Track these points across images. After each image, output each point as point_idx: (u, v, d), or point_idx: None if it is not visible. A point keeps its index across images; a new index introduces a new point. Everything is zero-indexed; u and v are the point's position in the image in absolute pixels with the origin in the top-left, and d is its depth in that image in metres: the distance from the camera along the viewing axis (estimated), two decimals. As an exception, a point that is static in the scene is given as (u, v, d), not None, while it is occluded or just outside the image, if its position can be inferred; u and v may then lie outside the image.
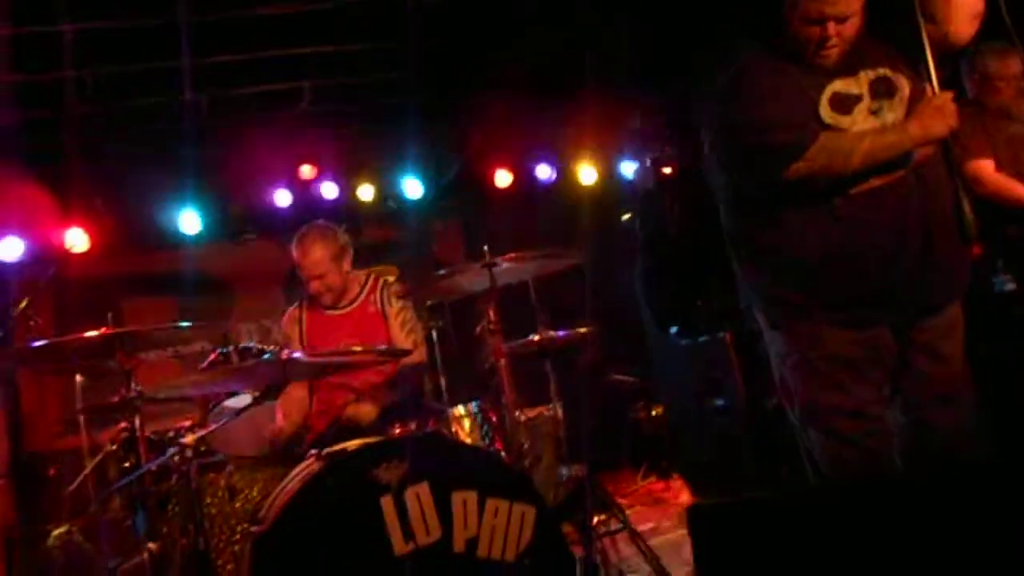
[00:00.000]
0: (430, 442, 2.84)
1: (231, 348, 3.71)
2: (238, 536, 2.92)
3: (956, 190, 2.31)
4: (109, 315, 2.85)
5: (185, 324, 3.25)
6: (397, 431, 2.77)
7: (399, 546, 2.38)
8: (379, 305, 3.46)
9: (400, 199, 6.24)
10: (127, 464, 3.59)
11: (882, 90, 2.32)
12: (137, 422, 2.86)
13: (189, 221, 5.70)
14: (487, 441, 3.34)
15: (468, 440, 3.36)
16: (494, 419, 3.42)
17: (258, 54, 5.15)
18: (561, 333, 3.34)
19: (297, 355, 2.68)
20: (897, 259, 2.29)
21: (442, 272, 3.26)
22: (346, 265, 3.46)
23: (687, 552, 3.54)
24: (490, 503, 2.47)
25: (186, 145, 5.50)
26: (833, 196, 2.30)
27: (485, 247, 3.01)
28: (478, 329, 3.30)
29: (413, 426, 2.84)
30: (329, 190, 5.97)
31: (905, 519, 1.63)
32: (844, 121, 2.30)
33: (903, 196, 2.29)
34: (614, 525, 3.33)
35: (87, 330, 2.86)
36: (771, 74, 2.33)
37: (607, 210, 6.48)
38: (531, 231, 5.85)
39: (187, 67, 4.96)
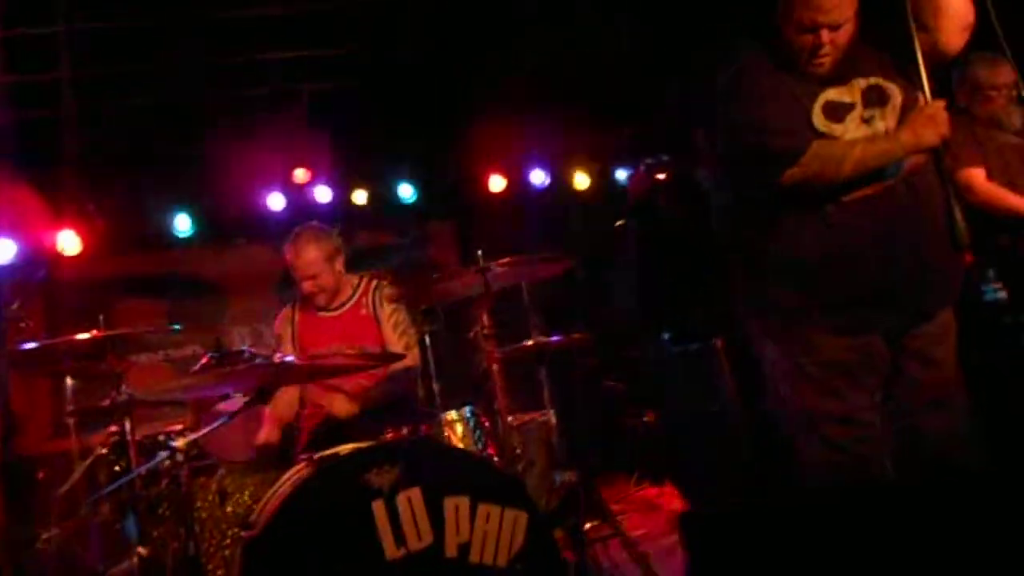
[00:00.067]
0: (422, 447, 2.83)
1: (223, 352, 3.70)
2: (229, 540, 2.91)
3: (948, 198, 2.32)
4: (101, 317, 2.84)
5: (177, 327, 3.24)
6: (389, 436, 2.76)
7: (391, 551, 2.37)
8: (371, 308, 3.45)
9: (394, 203, 6.23)
10: (118, 468, 3.57)
11: (875, 99, 2.34)
12: (128, 425, 2.85)
13: (181, 224, 5.69)
14: (480, 446, 3.33)
15: (460, 445, 3.35)
16: (487, 424, 3.41)
17: (253, 57, 5.15)
18: (555, 338, 3.35)
19: (289, 359, 2.67)
20: (889, 266, 2.30)
21: (436, 276, 3.26)
22: (339, 266, 3.46)
23: (679, 559, 3.56)
24: (482, 508, 2.46)
25: (179, 148, 5.49)
26: (826, 203, 2.31)
27: (479, 252, 3.01)
28: (471, 334, 3.30)
29: (405, 431, 2.83)
30: (323, 194, 5.96)
31: (897, 526, 1.63)
32: (837, 129, 2.31)
33: (895, 204, 2.31)
34: (606, 531, 3.33)
35: (78, 333, 2.86)
36: (770, 80, 2.34)
37: (601, 215, 6.49)
38: (525, 236, 5.86)
39: (181, 69, 4.95)
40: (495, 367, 3.01)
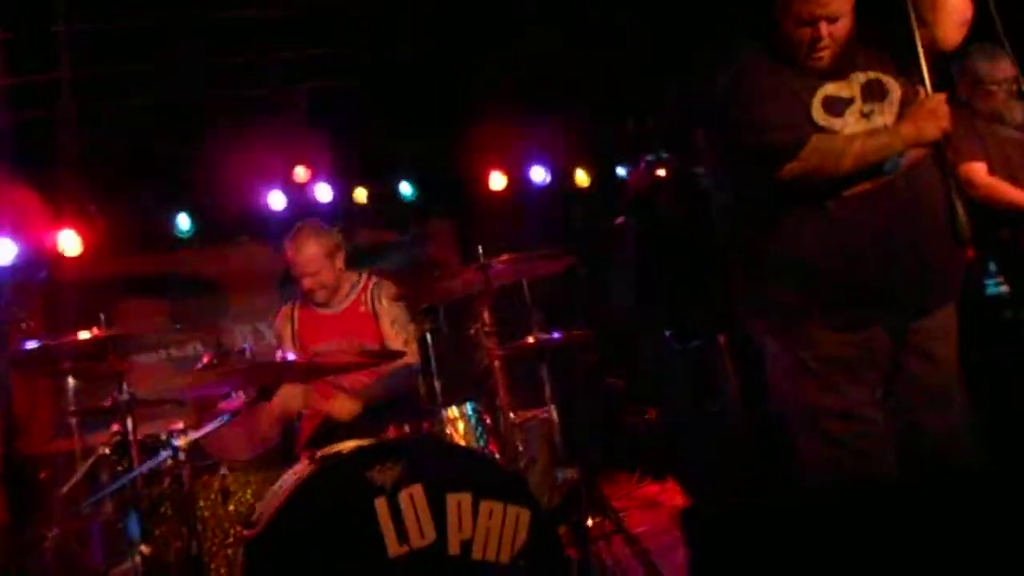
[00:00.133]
0: (424, 444, 2.83)
1: (224, 351, 3.70)
2: (231, 539, 2.92)
3: (949, 193, 2.32)
4: (102, 317, 2.84)
5: (178, 327, 3.24)
6: (391, 433, 2.77)
7: (393, 548, 2.37)
8: (370, 304, 3.46)
9: (395, 202, 6.23)
10: (120, 467, 3.57)
11: (874, 93, 2.34)
12: (130, 425, 2.85)
13: (182, 223, 5.69)
14: (481, 443, 3.33)
15: (462, 442, 3.35)
16: (488, 421, 3.41)
17: (253, 57, 5.15)
18: (555, 335, 3.34)
19: (291, 357, 2.67)
20: (890, 261, 2.30)
21: (437, 274, 3.26)
22: (339, 263, 3.46)
23: (681, 555, 3.56)
24: (484, 505, 2.46)
25: (179, 148, 5.49)
26: (826, 199, 2.31)
27: (480, 249, 3.00)
28: (472, 331, 3.30)
29: (407, 428, 2.83)
30: (323, 192, 5.96)
31: (898, 524, 1.63)
32: (836, 123, 2.31)
33: (895, 199, 2.30)
34: (608, 528, 3.33)
35: (79, 332, 2.85)
36: (770, 75, 2.34)
37: (601, 213, 6.49)
38: (525, 234, 5.85)
39: (180, 68, 4.95)
40: (496, 364, 3.01)
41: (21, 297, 4.16)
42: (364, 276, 3.57)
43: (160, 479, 3.01)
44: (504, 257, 2.96)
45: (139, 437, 3.02)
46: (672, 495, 5.04)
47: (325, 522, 2.37)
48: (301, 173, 5.89)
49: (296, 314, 3.52)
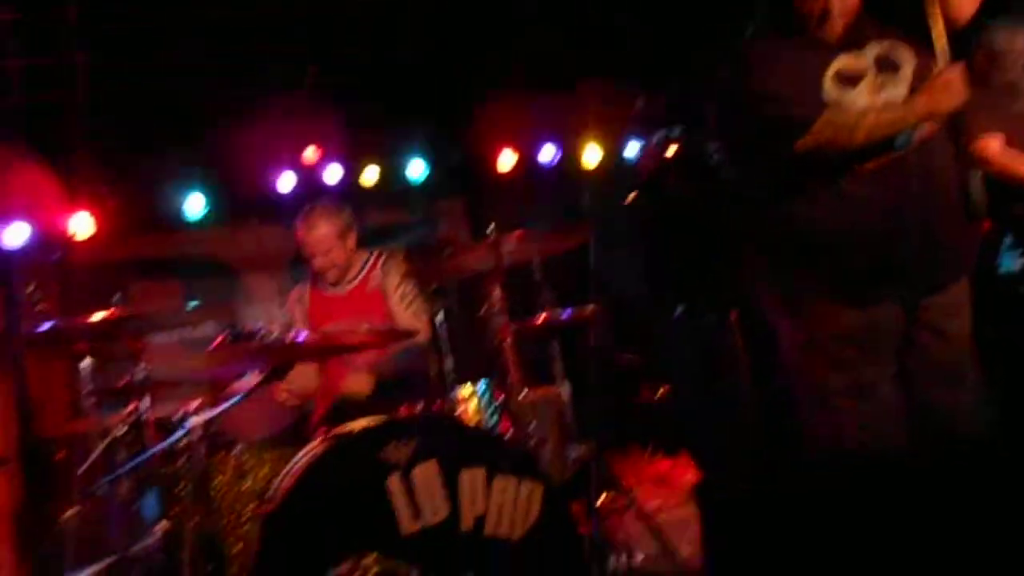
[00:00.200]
0: (437, 421, 2.85)
1: (237, 332, 3.71)
2: (247, 516, 2.94)
3: (963, 168, 2.30)
4: (117, 295, 2.86)
5: (192, 305, 3.26)
6: (404, 411, 2.78)
7: (407, 525, 2.39)
8: (379, 283, 3.46)
9: (404, 182, 6.22)
10: (136, 447, 3.61)
11: (886, 65, 2.31)
12: (145, 404, 2.87)
13: (194, 205, 5.70)
14: (493, 421, 3.34)
15: (474, 420, 3.37)
16: (500, 399, 3.42)
17: (263, 36, 5.13)
18: (566, 313, 3.35)
19: (302, 336, 2.68)
20: (901, 237, 2.29)
21: (448, 252, 3.26)
22: (351, 242, 3.47)
23: (693, 530, 3.58)
24: (498, 481, 2.48)
25: (191, 129, 5.50)
26: (838, 174, 2.29)
27: (491, 227, 3.00)
28: (483, 309, 3.30)
29: (419, 406, 2.85)
30: (333, 173, 5.95)
31: (910, 499, 1.63)
32: (848, 96, 2.29)
33: (907, 173, 2.29)
34: (621, 504, 3.35)
35: (94, 313, 2.87)
36: (781, 49, 2.32)
37: (611, 191, 6.46)
38: (536, 212, 5.84)
39: (191, 50, 4.95)
40: (507, 342, 3.02)
41: (36, 279, 4.18)
42: (374, 255, 3.57)
43: (176, 458, 3.04)
44: (515, 235, 2.96)
45: (155, 417, 3.05)
46: (684, 472, 5.05)
47: (339, 499, 2.39)
48: (310, 154, 5.89)
49: (307, 295, 3.54)
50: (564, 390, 3.35)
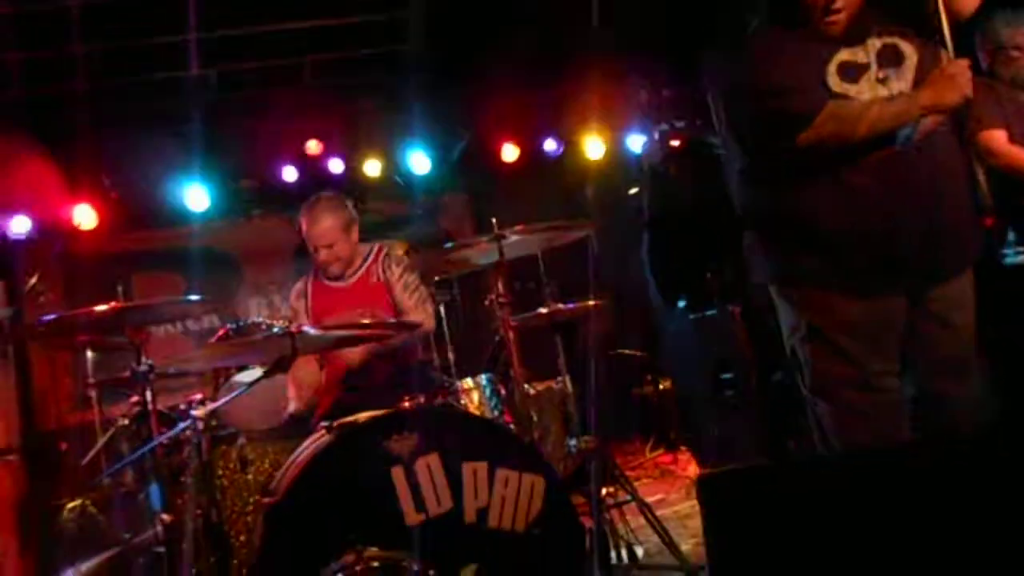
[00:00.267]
0: (440, 414, 2.85)
1: (240, 323, 3.72)
2: (250, 507, 2.96)
3: (969, 161, 2.30)
4: (119, 289, 2.86)
5: (194, 298, 3.26)
6: (407, 403, 2.79)
7: (411, 516, 2.40)
8: (381, 274, 3.46)
9: (407, 174, 6.22)
10: (139, 438, 3.62)
11: (889, 59, 2.31)
12: (148, 396, 2.88)
13: (196, 197, 5.70)
14: (496, 414, 3.35)
15: (477, 412, 3.38)
16: (503, 392, 3.43)
17: (265, 28, 5.12)
18: (568, 306, 3.35)
19: (306, 328, 2.68)
20: (905, 228, 2.28)
21: (450, 246, 3.26)
22: (354, 235, 3.46)
23: (695, 523, 3.59)
24: (500, 473, 2.48)
25: (193, 121, 5.49)
26: (841, 166, 2.29)
27: (493, 220, 3.00)
28: (487, 302, 3.30)
29: (422, 398, 2.85)
30: (336, 165, 5.95)
31: (914, 488, 1.63)
32: (851, 89, 2.29)
33: (911, 166, 2.28)
34: (622, 497, 3.35)
35: (97, 305, 2.87)
36: (784, 42, 2.32)
37: (615, 184, 6.46)
38: (539, 205, 5.84)
39: (194, 42, 4.94)
40: (510, 335, 3.02)
41: (39, 270, 4.19)
42: (375, 247, 3.57)
43: (179, 449, 3.05)
44: (518, 228, 2.96)
45: (158, 408, 3.05)
46: (685, 464, 5.06)
47: (343, 490, 2.40)
48: (313, 146, 5.89)
49: (309, 288, 3.53)
50: (566, 383, 3.35)
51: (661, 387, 5.56)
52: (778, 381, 4.29)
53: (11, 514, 4.65)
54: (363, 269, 3.49)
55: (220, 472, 2.94)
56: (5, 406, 5.05)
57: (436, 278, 4.16)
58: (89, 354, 3.86)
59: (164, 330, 5.85)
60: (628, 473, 4.12)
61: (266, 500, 2.61)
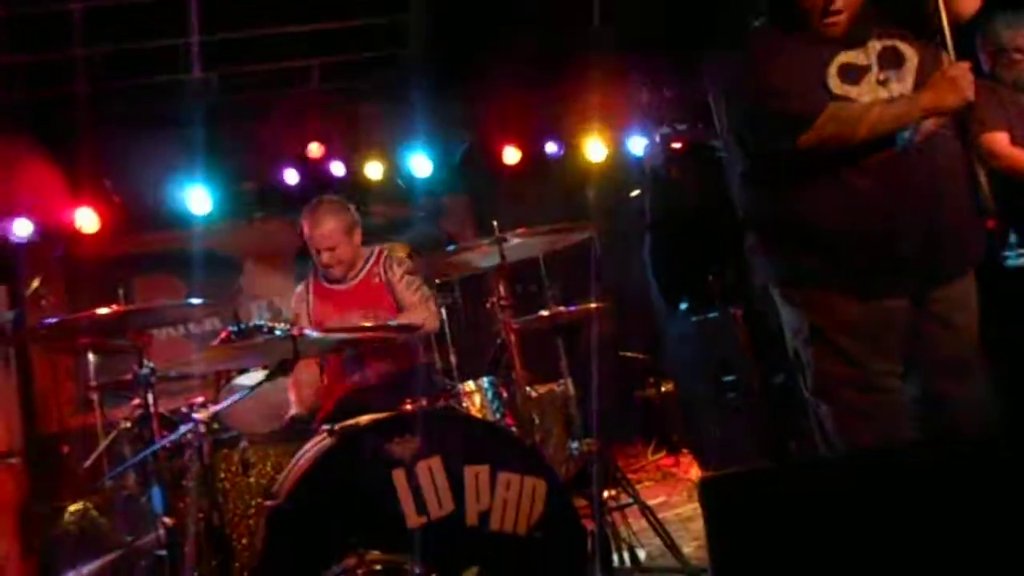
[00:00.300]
0: (441, 417, 2.85)
1: (241, 326, 3.72)
2: (252, 510, 2.96)
3: (970, 163, 2.29)
4: (121, 292, 2.86)
5: (196, 301, 3.25)
6: (408, 406, 2.79)
7: (412, 519, 2.40)
8: (383, 275, 3.46)
9: (408, 176, 6.22)
10: (141, 441, 3.62)
11: (890, 61, 2.31)
12: (150, 398, 2.88)
13: (198, 200, 5.70)
14: (498, 416, 3.35)
15: (479, 415, 3.38)
16: (505, 395, 3.43)
17: (267, 31, 5.14)
18: (570, 308, 3.35)
19: (307, 331, 2.68)
20: (906, 229, 2.28)
21: (452, 248, 3.26)
22: (357, 238, 3.46)
23: (696, 526, 3.59)
24: (502, 476, 2.49)
25: (194, 124, 5.50)
26: (841, 167, 2.29)
27: (495, 223, 3.00)
28: (488, 305, 3.30)
29: (424, 401, 2.85)
30: (337, 168, 5.96)
31: (916, 490, 1.63)
32: (852, 91, 2.29)
33: (912, 167, 2.28)
34: (624, 499, 3.35)
35: (99, 308, 2.87)
36: (784, 44, 2.32)
37: (616, 186, 6.46)
38: (540, 208, 5.84)
39: (196, 45, 4.95)
40: (512, 338, 3.02)
41: (41, 274, 4.19)
42: (376, 250, 3.57)
43: (181, 452, 3.05)
44: (520, 231, 2.96)
45: (160, 411, 3.05)
46: (687, 467, 5.06)
47: (345, 493, 2.40)
48: (315, 149, 5.89)
49: (310, 292, 3.53)
50: (568, 386, 3.34)
51: (663, 389, 5.56)
52: (780, 383, 4.29)
53: (12, 517, 4.65)
54: (364, 271, 3.50)
55: (222, 475, 2.94)
56: (7, 409, 5.06)
57: (437, 281, 4.15)
58: (91, 357, 3.86)
59: (166, 333, 5.85)
60: (630, 476, 4.13)
61: (268, 503, 2.61)
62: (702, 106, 2.76)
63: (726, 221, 2.86)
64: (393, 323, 3.25)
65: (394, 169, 6.19)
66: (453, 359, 4.04)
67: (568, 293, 3.72)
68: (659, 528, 3.17)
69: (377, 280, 3.45)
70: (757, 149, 2.42)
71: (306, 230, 3.42)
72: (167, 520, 2.64)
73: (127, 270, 5.65)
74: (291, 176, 5.87)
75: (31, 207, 5.35)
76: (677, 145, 5.93)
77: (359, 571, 2.24)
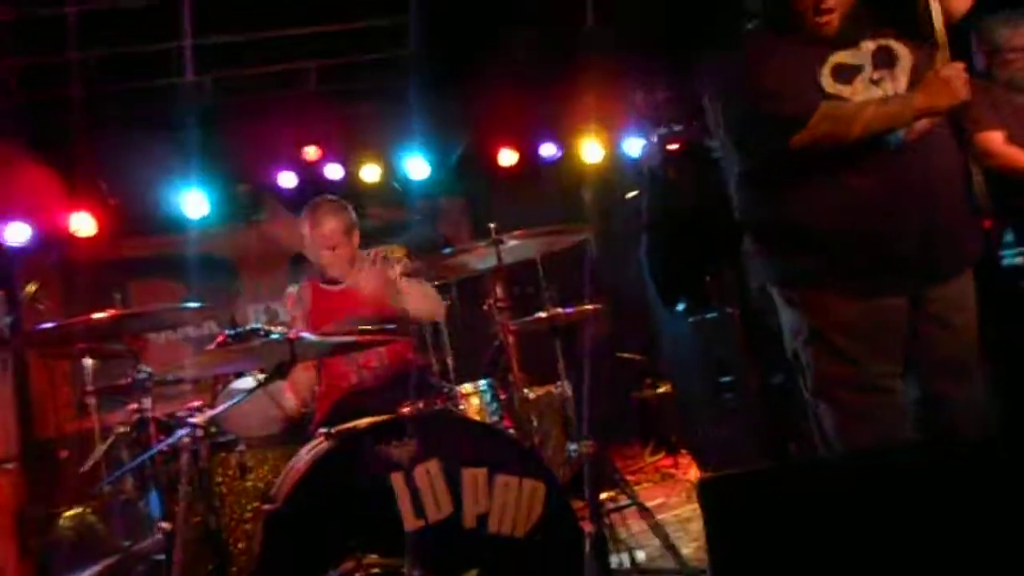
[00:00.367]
0: (439, 419, 2.85)
1: (238, 330, 3.71)
2: (250, 514, 2.95)
3: (966, 162, 2.30)
4: (117, 296, 2.85)
5: (192, 305, 3.25)
6: (406, 409, 2.78)
7: (410, 522, 2.39)
8: (381, 276, 3.45)
9: (405, 179, 6.22)
10: (139, 445, 3.61)
11: (884, 60, 2.31)
12: (147, 403, 2.87)
13: (194, 203, 5.69)
14: (496, 419, 3.35)
15: (477, 418, 3.37)
16: (503, 397, 3.42)
17: (262, 34, 5.13)
18: (568, 310, 3.35)
19: (304, 334, 2.68)
20: (902, 229, 2.29)
21: (449, 251, 3.25)
22: (355, 239, 3.47)
23: (695, 527, 3.59)
24: (500, 479, 2.48)
25: (190, 127, 5.50)
26: (839, 166, 2.29)
27: (492, 225, 3.00)
28: (485, 307, 3.30)
29: (421, 404, 2.85)
30: (334, 171, 5.95)
31: (915, 490, 1.63)
32: (845, 91, 2.29)
33: (907, 167, 2.28)
34: (622, 501, 3.35)
35: (95, 312, 2.87)
36: (777, 44, 2.32)
37: (613, 187, 6.46)
38: (537, 210, 5.84)
39: (191, 48, 4.94)
40: (509, 340, 3.02)
41: (37, 279, 4.18)
42: (373, 252, 3.57)
43: (178, 456, 3.04)
44: (516, 233, 2.96)
45: (157, 415, 3.04)
46: (685, 468, 5.06)
47: (343, 497, 2.40)
48: (311, 152, 5.89)
49: (307, 293, 3.53)
50: (566, 388, 3.35)
51: (661, 390, 5.56)
52: (778, 383, 4.29)
53: (10, 522, 4.64)
54: (363, 272, 3.50)
55: (219, 479, 2.93)
56: (3, 414, 5.05)
57: (435, 283, 4.15)
58: (88, 362, 3.85)
59: (163, 337, 5.84)
60: (628, 477, 4.12)
61: (265, 507, 2.61)
62: (698, 107, 2.76)
63: (723, 221, 2.86)
64: (391, 326, 3.25)
65: (390, 172, 6.18)
66: (450, 361, 4.03)
67: (565, 295, 3.71)
68: (657, 529, 3.16)
69: (376, 280, 3.45)
70: (752, 150, 2.42)
71: (306, 230, 3.42)
72: (164, 525, 2.64)
73: (123, 274, 5.64)
74: (287, 179, 5.86)
75: (27, 211, 5.33)
76: (674, 146, 5.94)
77: (357, 574, 2.23)
